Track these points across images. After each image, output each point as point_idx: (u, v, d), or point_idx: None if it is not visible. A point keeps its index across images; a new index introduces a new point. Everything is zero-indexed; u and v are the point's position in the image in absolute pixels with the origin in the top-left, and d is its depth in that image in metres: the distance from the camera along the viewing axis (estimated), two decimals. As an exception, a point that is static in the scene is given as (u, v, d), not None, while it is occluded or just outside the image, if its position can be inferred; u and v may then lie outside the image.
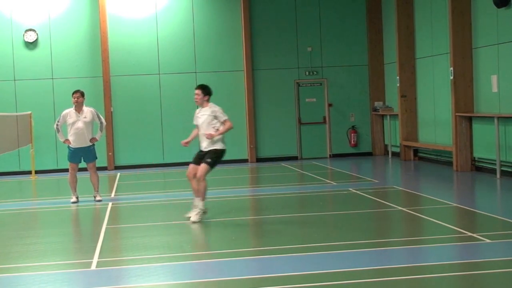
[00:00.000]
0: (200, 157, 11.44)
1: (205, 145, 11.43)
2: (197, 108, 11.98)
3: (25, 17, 20.67)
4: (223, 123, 11.48)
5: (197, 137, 11.78)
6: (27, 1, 20.71)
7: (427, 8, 18.95)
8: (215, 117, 11.50)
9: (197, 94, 11.84)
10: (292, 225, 10.97)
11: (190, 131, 21.53)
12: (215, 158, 11.35)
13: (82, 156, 14.04)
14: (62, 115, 14.07)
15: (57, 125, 14.06)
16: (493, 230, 9.73)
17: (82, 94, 13.99)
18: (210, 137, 11.28)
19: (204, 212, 11.27)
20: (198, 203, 11.25)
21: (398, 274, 7.56)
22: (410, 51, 19.88)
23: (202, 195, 11.28)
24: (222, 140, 11.52)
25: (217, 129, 11.41)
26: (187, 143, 11.81)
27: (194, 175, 11.32)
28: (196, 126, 11.81)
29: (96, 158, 14.32)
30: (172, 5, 21.30)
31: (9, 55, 20.62)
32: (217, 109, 11.64)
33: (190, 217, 11.26)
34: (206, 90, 11.91)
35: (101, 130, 14.14)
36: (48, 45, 20.77)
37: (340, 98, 22.12)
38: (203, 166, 11.22)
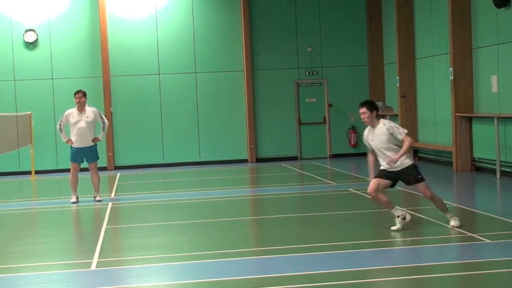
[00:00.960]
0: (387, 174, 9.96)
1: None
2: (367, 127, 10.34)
3: (25, 17, 20.67)
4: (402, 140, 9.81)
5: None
6: (27, 2, 20.71)
7: (427, 8, 18.95)
8: (392, 134, 9.85)
9: (363, 113, 10.04)
10: (292, 225, 10.97)
11: (190, 131, 21.72)
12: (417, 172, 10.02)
13: (84, 156, 14.04)
14: (64, 115, 14.07)
15: (59, 125, 14.06)
16: (493, 230, 9.73)
17: (84, 94, 13.99)
18: (393, 163, 9.79)
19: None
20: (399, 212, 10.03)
21: (398, 274, 7.56)
22: (410, 51, 19.87)
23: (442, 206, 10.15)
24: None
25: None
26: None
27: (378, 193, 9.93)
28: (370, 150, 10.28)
29: (98, 158, 14.32)
30: (172, 5, 21.30)
31: (9, 55, 20.62)
32: (393, 124, 9.99)
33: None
34: (372, 105, 10.07)
35: (103, 130, 14.13)
36: (48, 45, 20.77)
37: (340, 98, 22.12)
38: (421, 186, 10.03)
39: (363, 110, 9.97)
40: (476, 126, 16.51)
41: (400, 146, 9.82)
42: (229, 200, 13.80)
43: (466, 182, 15.44)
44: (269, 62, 21.76)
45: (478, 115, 16.30)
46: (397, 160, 9.70)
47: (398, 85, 20.10)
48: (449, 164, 17.56)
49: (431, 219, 10.63)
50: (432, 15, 18.68)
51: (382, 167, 10.01)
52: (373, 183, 9.94)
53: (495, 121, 15.24)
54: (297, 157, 21.83)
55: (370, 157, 10.24)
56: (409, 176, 9.92)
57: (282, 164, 20.34)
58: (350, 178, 16.77)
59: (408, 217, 10.02)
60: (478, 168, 16.55)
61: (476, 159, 16.63)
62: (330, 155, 22.07)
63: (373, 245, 9.05)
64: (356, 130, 22.03)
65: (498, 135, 15.25)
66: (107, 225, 11.39)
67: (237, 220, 11.61)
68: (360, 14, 22.16)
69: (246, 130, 21.56)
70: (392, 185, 10.11)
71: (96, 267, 8.44)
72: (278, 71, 21.81)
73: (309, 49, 21.86)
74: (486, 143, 15.99)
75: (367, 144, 10.24)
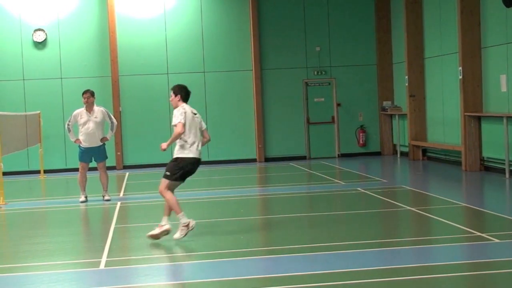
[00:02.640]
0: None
1: None
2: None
3: (34, 17, 20.73)
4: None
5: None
6: (36, 1, 20.76)
7: (436, 8, 18.91)
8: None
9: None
10: (300, 224, 10.96)
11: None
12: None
13: (92, 155, 14.08)
14: (73, 115, 14.10)
15: (68, 125, 14.09)
16: (502, 230, 9.71)
17: (92, 94, 14.02)
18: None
19: None
20: None
21: (406, 274, 7.55)
22: (418, 50, 19.84)
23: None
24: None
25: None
26: None
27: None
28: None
29: (107, 157, 14.37)
30: (180, 5, 21.32)
31: (18, 55, 20.68)
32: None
33: None
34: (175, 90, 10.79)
35: (112, 130, 14.16)
36: (57, 45, 20.82)
37: (349, 97, 22.09)
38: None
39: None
40: (485, 126, 16.46)
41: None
42: (238, 200, 13.80)
43: (475, 182, 15.40)
44: (277, 62, 21.76)
45: (487, 114, 16.25)
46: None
47: (406, 84, 20.06)
48: (458, 163, 17.52)
49: (440, 219, 10.61)
50: (441, 14, 18.64)
51: None
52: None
53: (504, 120, 15.19)
54: (305, 156, 21.82)
55: None
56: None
57: (291, 164, 20.34)
58: (358, 178, 16.75)
59: (192, 224, 9.77)
60: (487, 167, 16.51)
61: (485, 158, 16.59)
62: (338, 154, 22.04)
63: (381, 244, 9.04)
64: (365, 130, 22.00)
65: (507, 135, 15.21)
66: (115, 224, 11.42)
67: (246, 220, 11.61)
68: (368, 14, 22.13)
69: (255, 130, 21.56)
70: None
71: (105, 266, 8.45)
72: (287, 70, 21.81)
73: (317, 49, 21.84)
74: (495, 143, 15.95)
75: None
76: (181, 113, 10.24)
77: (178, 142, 10.44)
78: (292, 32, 21.77)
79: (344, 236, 9.84)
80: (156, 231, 9.79)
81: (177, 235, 9.68)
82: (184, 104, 10.52)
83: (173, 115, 10.26)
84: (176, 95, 10.59)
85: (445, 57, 18.43)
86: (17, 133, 17.31)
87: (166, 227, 9.81)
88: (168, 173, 10.21)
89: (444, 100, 18.67)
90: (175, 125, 10.23)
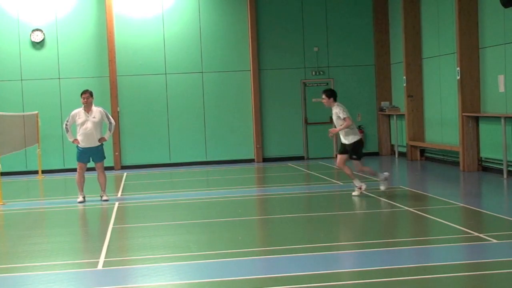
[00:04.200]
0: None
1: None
2: None
3: (32, 17, 20.72)
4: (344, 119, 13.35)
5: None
6: (34, 1, 20.75)
7: (434, 8, 18.92)
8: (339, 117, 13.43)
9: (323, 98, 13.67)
10: (299, 225, 10.97)
11: (196, 131, 21.74)
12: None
13: (90, 156, 14.07)
14: (71, 115, 14.10)
15: (66, 125, 14.08)
16: (500, 230, 9.71)
17: (91, 94, 14.02)
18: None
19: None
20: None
21: (405, 274, 7.56)
22: (416, 51, 19.86)
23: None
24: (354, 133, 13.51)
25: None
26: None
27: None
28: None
29: (105, 158, 14.36)
30: (178, 5, 21.32)
31: (16, 55, 20.67)
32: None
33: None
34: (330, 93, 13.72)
35: (110, 130, 14.16)
36: (55, 45, 20.81)
37: (347, 98, 22.04)
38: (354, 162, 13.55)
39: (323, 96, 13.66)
40: (483, 126, 16.48)
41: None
42: (235, 200, 13.80)
43: (473, 182, 15.41)
44: (275, 62, 21.77)
45: (485, 115, 16.27)
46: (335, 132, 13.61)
47: (405, 84, 20.08)
48: (456, 164, 17.53)
49: (438, 219, 10.62)
50: (439, 14, 18.65)
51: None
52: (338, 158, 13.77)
53: (502, 121, 15.21)
54: (303, 156, 21.83)
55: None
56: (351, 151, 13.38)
57: (289, 164, 20.34)
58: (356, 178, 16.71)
59: (363, 187, 13.41)
60: (485, 168, 16.52)
61: (483, 159, 16.60)
62: (336, 154, 22.00)
63: (379, 245, 9.05)
64: (363, 130, 22.00)
65: (505, 135, 15.22)
66: (113, 224, 11.41)
67: (244, 220, 11.61)
68: (366, 14, 22.15)
69: (253, 130, 21.56)
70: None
71: (103, 266, 8.45)
72: (285, 70, 21.82)
73: (315, 49, 21.85)
74: (493, 143, 15.96)
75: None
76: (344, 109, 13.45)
77: (346, 131, 13.44)
78: (290, 33, 21.78)
79: (342, 236, 9.84)
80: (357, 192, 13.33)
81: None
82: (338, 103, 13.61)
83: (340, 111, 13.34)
84: (329, 98, 13.60)
85: (443, 58, 18.45)
86: (15, 134, 17.30)
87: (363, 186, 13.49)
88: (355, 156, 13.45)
89: (442, 100, 18.68)
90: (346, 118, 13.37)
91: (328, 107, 13.83)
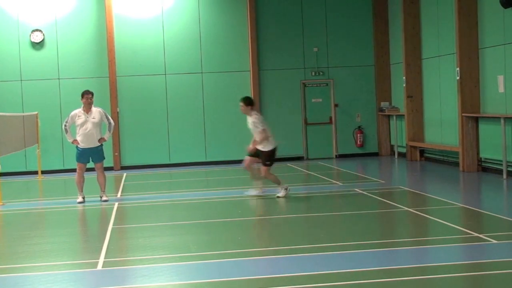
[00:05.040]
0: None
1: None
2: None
3: (31, 18, 20.71)
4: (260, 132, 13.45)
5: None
6: (33, 2, 20.75)
7: (434, 9, 18.92)
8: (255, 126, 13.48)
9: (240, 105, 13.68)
10: (298, 225, 10.97)
11: (196, 132, 21.71)
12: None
13: (90, 156, 14.07)
14: (70, 115, 14.09)
15: (65, 125, 14.08)
16: (500, 231, 9.71)
17: (93, 95, 14.06)
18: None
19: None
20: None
21: (404, 275, 7.56)
22: (416, 51, 19.85)
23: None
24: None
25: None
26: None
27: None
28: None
29: (104, 158, 14.35)
30: (178, 5, 21.32)
31: (15, 56, 20.66)
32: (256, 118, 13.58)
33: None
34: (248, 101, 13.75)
35: (109, 131, 14.15)
36: (54, 45, 20.81)
37: (346, 98, 22.11)
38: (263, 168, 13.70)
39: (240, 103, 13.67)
40: (482, 126, 16.48)
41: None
42: (235, 200, 13.80)
43: (473, 183, 15.42)
44: (275, 62, 21.76)
45: (484, 115, 16.27)
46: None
47: (404, 85, 20.08)
48: (456, 164, 17.53)
49: (438, 220, 10.62)
50: (438, 15, 18.65)
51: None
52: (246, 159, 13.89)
53: (502, 121, 15.21)
54: (303, 157, 21.82)
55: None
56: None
57: (288, 164, 20.33)
58: (356, 178, 16.76)
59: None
60: (485, 168, 16.52)
61: (482, 159, 16.60)
62: (336, 155, 22.04)
63: (379, 245, 9.05)
64: (363, 130, 22.01)
65: (504, 135, 15.22)
66: (113, 225, 11.41)
67: (244, 220, 11.61)
68: (366, 14, 22.14)
69: (252, 130, 21.53)
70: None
71: (102, 267, 8.45)
72: (284, 71, 21.81)
73: (315, 49, 21.85)
74: (493, 144, 15.96)
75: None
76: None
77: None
78: (290, 33, 21.77)
79: (342, 236, 9.84)
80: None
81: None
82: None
83: (257, 122, 13.57)
84: (247, 106, 13.72)
85: (443, 58, 18.45)
86: (14, 134, 17.30)
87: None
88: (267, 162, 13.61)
89: (442, 101, 18.68)
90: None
91: (245, 114, 13.86)
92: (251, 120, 13.54)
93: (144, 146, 21.17)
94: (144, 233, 10.66)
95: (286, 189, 13.74)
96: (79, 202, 13.89)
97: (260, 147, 13.51)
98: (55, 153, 20.65)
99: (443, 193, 13.54)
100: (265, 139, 13.38)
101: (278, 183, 13.80)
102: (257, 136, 13.52)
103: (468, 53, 16.62)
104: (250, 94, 21.49)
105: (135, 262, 8.75)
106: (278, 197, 13.57)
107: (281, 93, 21.79)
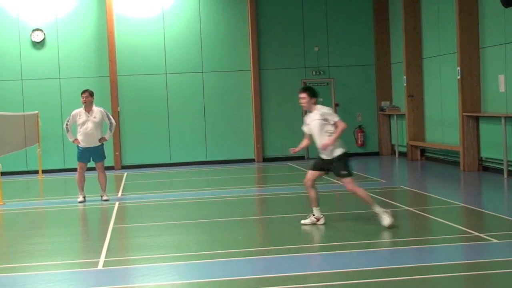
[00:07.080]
0: (322, 165, 10.76)
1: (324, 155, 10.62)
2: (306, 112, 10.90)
3: (32, 17, 20.72)
4: (334, 125, 10.50)
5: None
6: (34, 1, 20.75)
7: (434, 8, 18.92)
8: (326, 120, 10.49)
9: (302, 97, 10.55)
10: (299, 224, 10.96)
11: (197, 131, 21.73)
12: (345, 166, 10.69)
13: (91, 155, 14.07)
14: (72, 115, 14.10)
15: (66, 125, 14.09)
16: (501, 230, 9.71)
17: (91, 94, 14.02)
18: (324, 148, 10.45)
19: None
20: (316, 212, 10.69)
21: (405, 274, 7.55)
22: (417, 50, 19.85)
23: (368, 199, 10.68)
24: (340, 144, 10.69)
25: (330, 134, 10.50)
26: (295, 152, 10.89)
27: (313, 183, 10.74)
28: (305, 134, 10.87)
29: (105, 157, 14.35)
30: (179, 5, 21.31)
31: (16, 55, 20.67)
32: (325, 110, 10.58)
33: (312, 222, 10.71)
34: (311, 92, 10.59)
35: (110, 130, 14.15)
36: (55, 45, 20.81)
37: (347, 98, 22.10)
38: (345, 181, 10.75)
39: (303, 95, 10.52)
40: (483, 126, 16.47)
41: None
42: (236, 200, 13.80)
43: (473, 182, 15.41)
44: (276, 62, 21.76)
45: (485, 114, 16.27)
46: (327, 146, 10.43)
47: (405, 84, 20.07)
48: (456, 163, 17.53)
49: (438, 219, 10.62)
50: (439, 14, 18.65)
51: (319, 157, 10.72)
52: (309, 174, 10.82)
53: (503, 120, 15.20)
54: (304, 156, 21.80)
55: (304, 140, 10.92)
56: (335, 169, 10.69)
57: (289, 164, 20.33)
58: (357, 178, 16.69)
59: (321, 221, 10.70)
60: (485, 167, 16.52)
61: (483, 158, 16.60)
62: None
63: (379, 244, 9.05)
64: (363, 130, 22.01)
65: (505, 135, 15.22)
66: (114, 224, 11.41)
67: (244, 220, 11.61)
68: (367, 14, 22.14)
69: (253, 130, 21.56)
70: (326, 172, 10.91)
71: (103, 266, 8.45)
72: (285, 70, 21.81)
73: (316, 49, 21.85)
74: (494, 143, 15.96)
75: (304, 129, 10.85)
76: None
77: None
78: (291, 32, 21.77)
79: (342, 236, 9.83)
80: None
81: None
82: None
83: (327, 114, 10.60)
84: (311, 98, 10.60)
85: (444, 57, 18.44)
86: (15, 133, 17.30)
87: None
88: (345, 172, 10.73)
89: (443, 100, 18.67)
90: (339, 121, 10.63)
91: (307, 110, 10.84)
92: (320, 113, 10.53)
93: (144, 145, 21.18)
94: (144, 233, 10.66)
95: (387, 212, 10.41)
96: (80, 202, 13.89)
97: (324, 155, 10.66)
98: (55, 153, 20.66)
99: (444, 192, 13.53)
100: (344, 128, 10.59)
101: (370, 200, 10.67)
102: (325, 133, 10.58)
103: (469, 52, 16.61)
104: (251, 93, 21.51)
105: (136, 262, 8.75)
106: (388, 227, 10.16)
107: (282, 92, 21.79)
